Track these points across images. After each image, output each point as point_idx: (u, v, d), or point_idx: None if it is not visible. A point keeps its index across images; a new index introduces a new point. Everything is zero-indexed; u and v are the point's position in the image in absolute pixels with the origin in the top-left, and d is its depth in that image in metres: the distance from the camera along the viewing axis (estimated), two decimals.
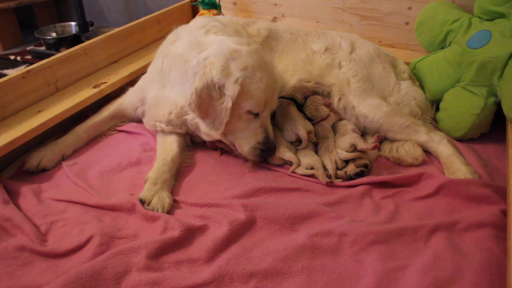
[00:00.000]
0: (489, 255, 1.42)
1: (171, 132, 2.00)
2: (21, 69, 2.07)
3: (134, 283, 1.33)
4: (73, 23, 3.93)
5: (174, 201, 1.72)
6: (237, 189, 1.76)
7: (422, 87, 2.31)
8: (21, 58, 3.67)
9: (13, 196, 1.71)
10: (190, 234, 1.53)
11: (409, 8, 2.66)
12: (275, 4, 3.06)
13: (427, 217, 1.62)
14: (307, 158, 1.88)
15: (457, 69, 2.14)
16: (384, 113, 2.05)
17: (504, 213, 1.58)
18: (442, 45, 2.36)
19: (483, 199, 1.66)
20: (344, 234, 1.52)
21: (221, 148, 2.00)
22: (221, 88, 1.70)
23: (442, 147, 1.98)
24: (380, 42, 2.81)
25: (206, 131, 1.86)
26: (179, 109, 1.91)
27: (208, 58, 1.73)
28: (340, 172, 1.87)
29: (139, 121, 2.20)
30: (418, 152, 1.98)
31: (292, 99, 2.11)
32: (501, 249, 1.45)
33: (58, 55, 2.21)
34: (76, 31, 3.86)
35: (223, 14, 3.02)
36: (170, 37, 2.06)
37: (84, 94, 2.19)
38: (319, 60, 2.22)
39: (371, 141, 1.98)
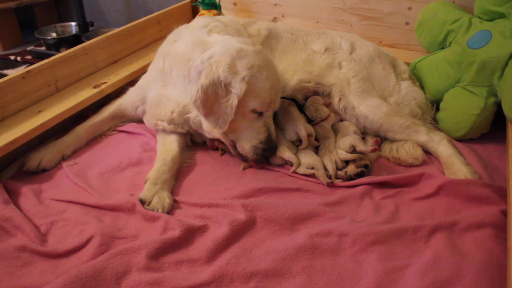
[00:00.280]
0: (489, 255, 1.42)
1: (171, 132, 2.01)
2: (21, 69, 2.07)
3: (134, 283, 1.33)
4: (73, 23, 3.93)
5: (174, 201, 1.72)
6: (237, 189, 1.76)
7: (422, 87, 2.31)
8: (21, 58, 3.67)
9: (13, 196, 1.71)
10: (190, 234, 1.53)
11: (409, 8, 2.66)
12: (275, 4, 3.07)
13: (427, 217, 1.62)
14: (308, 158, 1.88)
15: (457, 69, 2.14)
16: (384, 113, 2.05)
17: (504, 213, 1.58)
18: (442, 45, 2.36)
19: (483, 199, 1.66)
20: (344, 234, 1.52)
21: (222, 148, 2.00)
22: (227, 86, 1.71)
23: (442, 147, 1.98)
24: (380, 42, 2.81)
25: (209, 129, 1.86)
26: (181, 107, 1.92)
27: (213, 57, 1.73)
28: (340, 173, 1.87)
29: (140, 121, 2.19)
30: (418, 152, 1.98)
31: (293, 99, 2.11)
32: (501, 249, 1.45)
33: (58, 55, 2.21)
34: (76, 31, 3.86)
35: (223, 14, 3.02)
36: (171, 37, 2.06)
37: (84, 94, 2.19)
38: (319, 60, 2.22)
39: (370, 143, 1.98)
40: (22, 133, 1.86)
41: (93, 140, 2.11)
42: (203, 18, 2.11)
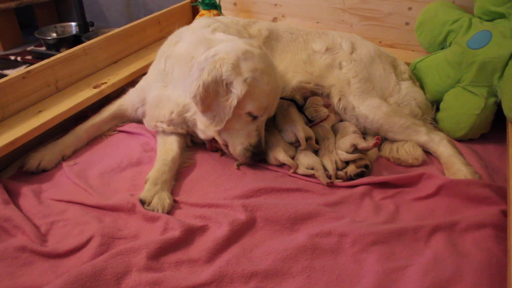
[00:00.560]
0: (489, 255, 1.42)
1: (171, 133, 2.01)
2: (22, 70, 2.06)
3: (134, 284, 1.33)
4: (73, 24, 3.94)
5: (174, 201, 1.72)
6: (237, 189, 1.76)
7: (422, 87, 2.31)
8: (21, 59, 3.67)
9: (13, 197, 1.71)
10: (190, 235, 1.53)
11: (409, 9, 2.66)
12: (275, 5, 3.07)
13: (427, 218, 1.62)
14: (307, 159, 1.88)
15: (457, 69, 2.14)
16: (384, 113, 2.05)
17: (504, 213, 1.58)
18: (442, 46, 2.36)
19: (483, 199, 1.66)
20: (344, 234, 1.52)
21: (221, 149, 2.00)
22: (228, 86, 1.71)
23: (443, 147, 1.98)
24: (380, 42, 2.81)
25: (203, 128, 1.86)
26: (181, 107, 1.92)
27: (217, 55, 1.73)
28: (340, 173, 1.87)
29: (140, 121, 2.19)
30: (418, 153, 1.98)
31: (292, 100, 2.11)
32: (501, 249, 1.45)
33: (59, 55, 2.21)
34: (76, 32, 3.86)
35: (223, 15, 3.02)
36: (172, 38, 2.05)
37: (84, 95, 2.19)
38: (319, 60, 2.22)
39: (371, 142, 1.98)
40: (22, 133, 1.86)
41: (93, 140, 2.11)
42: (205, 19, 2.11)
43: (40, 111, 2.03)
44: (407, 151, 1.98)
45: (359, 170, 1.85)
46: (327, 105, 2.14)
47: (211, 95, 1.72)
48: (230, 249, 1.48)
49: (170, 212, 1.65)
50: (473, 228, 1.54)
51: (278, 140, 1.97)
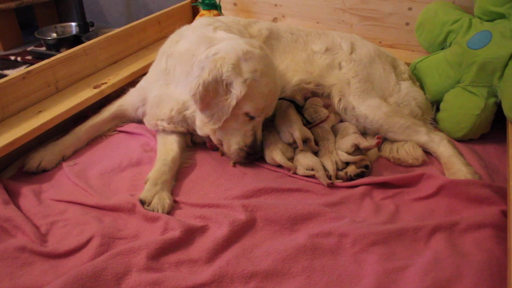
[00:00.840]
0: (489, 255, 1.42)
1: (172, 132, 2.01)
2: (22, 70, 2.07)
3: (134, 284, 1.33)
4: (73, 24, 3.93)
5: (175, 201, 1.72)
6: (237, 189, 1.76)
7: (422, 87, 2.31)
8: (21, 59, 3.67)
9: (13, 197, 1.71)
10: (190, 235, 1.53)
11: (410, 9, 2.67)
12: (276, 5, 3.07)
13: (427, 218, 1.62)
14: (307, 159, 1.88)
15: (457, 69, 2.14)
16: (384, 113, 2.05)
17: (505, 213, 1.58)
18: (442, 46, 2.36)
19: (483, 199, 1.66)
20: (345, 234, 1.52)
21: (221, 149, 2.00)
22: (228, 86, 1.71)
23: (443, 147, 1.98)
24: (380, 42, 2.81)
25: (200, 125, 1.87)
26: (180, 105, 1.93)
27: (218, 54, 1.73)
28: (340, 173, 1.87)
29: (140, 121, 2.20)
30: (419, 153, 1.98)
31: (291, 100, 2.11)
32: (501, 249, 1.45)
33: (59, 55, 2.21)
34: (77, 32, 3.86)
35: (223, 15, 3.03)
36: (173, 37, 2.06)
37: (84, 95, 2.19)
38: (319, 60, 2.22)
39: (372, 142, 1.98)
40: (22, 133, 1.86)
41: (94, 140, 2.11)
42: (206, 18, 2.11)
43: (40, 111, 2.03)
44: (407, 151, 1.98)
45: (359, 170, 1.85)
46: (327, 106, 2.14)
47: (210, 94, 1.72)
48: (230, 249, 1.48)
49: (170, 212, 1.65)
50: (473, 228, 1.54)
51: (276, 140, 1.97)
